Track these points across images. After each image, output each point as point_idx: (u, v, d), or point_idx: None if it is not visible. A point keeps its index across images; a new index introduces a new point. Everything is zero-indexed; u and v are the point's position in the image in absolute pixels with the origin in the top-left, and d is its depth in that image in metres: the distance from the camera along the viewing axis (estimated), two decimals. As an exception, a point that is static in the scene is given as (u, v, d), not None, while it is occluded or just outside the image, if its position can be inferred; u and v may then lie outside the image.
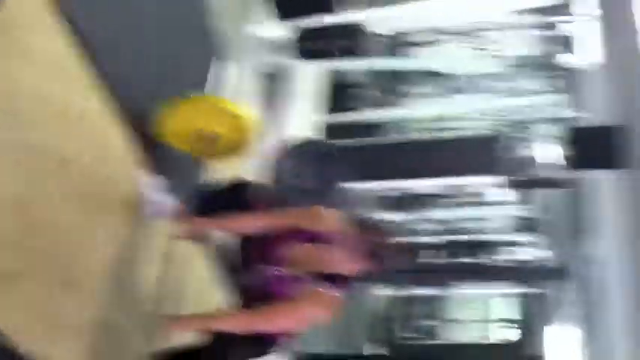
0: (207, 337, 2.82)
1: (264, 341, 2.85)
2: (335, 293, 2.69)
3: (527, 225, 10.17)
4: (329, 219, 2.83)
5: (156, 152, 3.29)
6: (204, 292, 3.77)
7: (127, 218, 3.01)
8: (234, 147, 3.35)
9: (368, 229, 2.66)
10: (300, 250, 2.77)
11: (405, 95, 8.49)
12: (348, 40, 5.49)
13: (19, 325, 2.25)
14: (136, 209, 3.09)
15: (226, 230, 3.02)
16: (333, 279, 2.69)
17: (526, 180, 5.73)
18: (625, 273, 5.01)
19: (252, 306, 2.75)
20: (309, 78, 6.37)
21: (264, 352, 2.95)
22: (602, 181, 5.61)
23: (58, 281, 2.49)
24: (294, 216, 2.88)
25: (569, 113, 6.86)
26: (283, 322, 2.72)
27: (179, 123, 3.14)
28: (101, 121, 2.82)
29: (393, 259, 2.67)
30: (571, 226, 7.13)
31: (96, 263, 2.74)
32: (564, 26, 6.67)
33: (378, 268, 2.67)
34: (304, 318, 2.73)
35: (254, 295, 2.78)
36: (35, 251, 2.35)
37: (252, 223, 2.88)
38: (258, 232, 2.87)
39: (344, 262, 2.68)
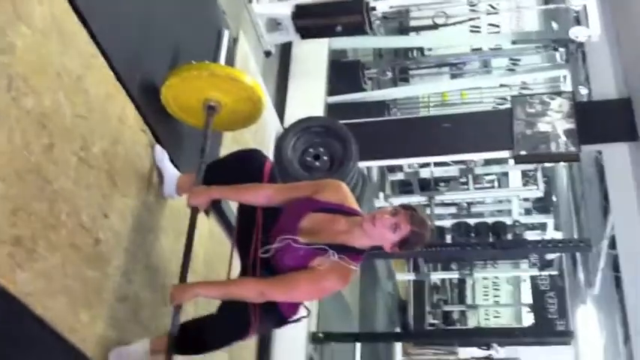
0: (220, 306, 2.79)
1: (278, 314, 2.83)
2: (352, 265, 2.66)
3: (544, 206, 10.16)
4: (341, 190, 2.80)
5: (166, 126, 3.27)
6: (215, 263, 3.76)
7: (140, 191, 3.00)
8: (239, 117, 3.32)
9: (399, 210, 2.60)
10: (314, 221, 2.73)
11: (408, 74, 8.46)
12: (349, 17, 5.40)
13: (40, 293, 2.24)
14: (148, 182, 3.08)
15: (239, 199, 2.97)
16: (347, 250, 2.66)
17: (535, 154, 5.69)
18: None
19: (266, 276, 2.71)
20: (310, 57, 6.32)
21: (279, 324, 2.93)
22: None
23: (78, 253, 2.48)
24: (307, 186, 2.86)
25: (573, 87, 6.82)
26: (302, 290, 2.68)
27: (184, 93, 3.11)
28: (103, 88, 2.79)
29: (411, 245, 2.62)
30: (593, 205, 7.12)
31: (112, 235, 2.73)
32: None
33: (392, 248, 2.63)
34: (323, 288, 2.71)
35: (268, 266, 2.74)
36: (52, 220, 2.33)
37: (265, 193, 2.84)
38: (271, 202, 2.84)
39: (359, 236, 2.65)
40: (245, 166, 2.95)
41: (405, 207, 2.63)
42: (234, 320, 2.71)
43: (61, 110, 2.41)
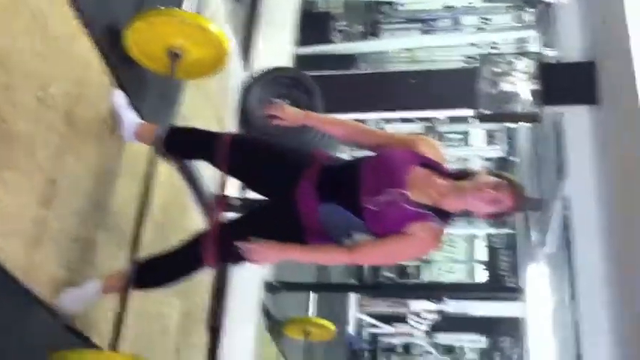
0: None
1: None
2: (443, 227, 2.58)
3: (505, 166, 10.27)
4: (437, 148, 2.70)
5: (129, 71, 3.21)
6: (172, 211, 3.75)
7: (100, 134, 2.96)
8: (203, 66, 3.27)
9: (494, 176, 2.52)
10: (417, 176, 2.57)
11: (378, 28, 8.41)
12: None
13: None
14: (109, 126, 3.04)
15: (322, 128, 2.88)
16: (439, 213, 2.55)
17: (498, 113, 5.74)
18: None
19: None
20: (279, 5, 6.23)
21: None
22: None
23: (32, 194, 2.46)
24: (394, 138, 2.79)
25: (540, 48, 6.87)
26: (397, 259, 2.88)
27: (148, 38, 3.04)
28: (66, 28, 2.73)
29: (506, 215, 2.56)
30: (549, 166, 7.21)
31: (68, 177, 2.70)
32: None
33: (485, 217, 2.58)
34: (418, 252, 2.69)
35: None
36: (7, 161, 2.30)
37: (345, 127, 2.82)
38: (350, 137, 2.81)
39: (454, 200, 2.53)
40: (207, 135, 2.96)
41: (508, 181, 2.51)
42: (188, 251, 2.76)
43: (19, 48, 2.35)
